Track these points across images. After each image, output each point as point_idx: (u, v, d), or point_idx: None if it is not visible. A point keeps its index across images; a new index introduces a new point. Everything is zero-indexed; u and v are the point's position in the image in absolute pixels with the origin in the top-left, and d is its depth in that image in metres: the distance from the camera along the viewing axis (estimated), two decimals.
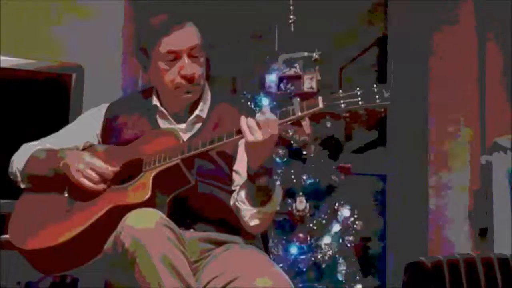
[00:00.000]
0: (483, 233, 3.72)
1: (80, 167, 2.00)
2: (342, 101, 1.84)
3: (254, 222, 1.99)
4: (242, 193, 1.99)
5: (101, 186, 2.00)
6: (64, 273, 2.13)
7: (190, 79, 2.07)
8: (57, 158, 2.05)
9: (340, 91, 1.86)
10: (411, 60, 4.08)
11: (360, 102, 1.84)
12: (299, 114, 1.87)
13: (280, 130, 1.89)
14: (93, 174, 1.99)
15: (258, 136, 1.85)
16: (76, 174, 2.00)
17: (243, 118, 1.89)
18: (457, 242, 3.71)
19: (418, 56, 4.02)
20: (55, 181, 2.06)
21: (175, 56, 2.07)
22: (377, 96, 1.84)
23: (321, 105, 1.85)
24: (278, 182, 2.77)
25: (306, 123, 1.87)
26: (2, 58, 2.94)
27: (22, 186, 2.16)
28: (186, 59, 2.06)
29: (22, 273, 2.82)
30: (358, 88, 1.86)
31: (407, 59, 4.11)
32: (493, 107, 3.87)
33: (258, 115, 1.89)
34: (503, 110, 3.85)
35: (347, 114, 1.86)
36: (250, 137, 1.86)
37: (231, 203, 2.06)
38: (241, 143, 1.97)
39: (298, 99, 1.89)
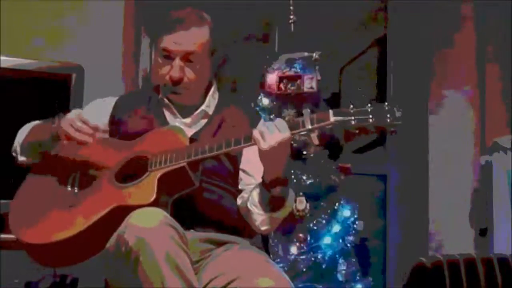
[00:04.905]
0: (483, 233, 3.72)
1: (68, 116, 2.00)
2: (352, 117, 1.83)
3: (265, 227, 2.02)
4: (255, 197, 1.99)
5: (85, 138, 1.99)
6: (62, 267, 2.12)
7: (175, 82, 2.08)
8: (55, 121, 2.06)
9: (351, 106, 1.84)
10: (411, 60, 4.08)
11: (370, 120, 1.82)
12: (309, 127, 1.86)
13: (293, 136, 1.88)
14: (78, 123, 1.99)
15: (270, 141, 1.85)
16: (65, 126, 1.99)
17: (255, 129, 1.89)
18: (457, 242, 3.71)
19: (418, 56, 4.02)
20: (55, 167, 2.05)
21: (169, 55, 2.08)
22: (388, 115, 1.82)
23: (331, 120, 1.85)
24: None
25: (314, 135, 1.87)
26: (2, 58, 2.94)
27: (20, 158, 2.15)
28: (178, 62, 2.08)
29: (22, 273, 2.82)
30: (369, 105, 1.84)
31: (407, 59, 4.11)
32: (493, 107, 3.87)
33: (265, 122, 1.90)
34: (503, 110, 3.85)
35: (357, 131, 1.84)
36: (263, 145, 1.86)
37: (239, 202, 2.07)
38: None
39: (309, 110, 1.89)
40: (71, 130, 1.99)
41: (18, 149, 2.17)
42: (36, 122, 2.22)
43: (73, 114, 2.02)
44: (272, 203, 1.96)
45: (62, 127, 2.00)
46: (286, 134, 1.86)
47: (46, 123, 2.13)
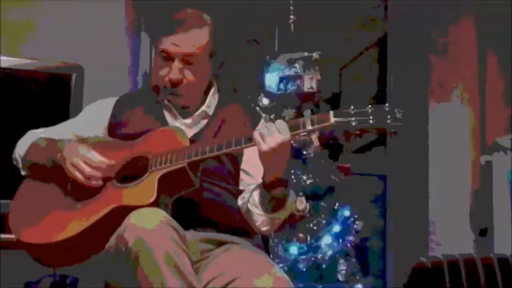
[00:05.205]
0: (483, 233, 3.72)
1: (74, 161, 1.99)
2: (353, 119, 1.83)
3: (265, 228, 2.02)
4: (256, 197, 1.99)
5: (95, 181, 1.99)
6: (63, 267, 2.11)
7: (174, 84, 2.08)
8: (56, 149, 2.04)
9: (352, 107, 1.83)
10: (411, 60, 4.08)
11: (371, 121, 1.82)
12: (310, 128, 1.86)
13: (293, 137, 1.88)
14: (87, 168, 1.98)
15: (270, 142, 1.85)
16: (70, 168, 1.99)
17: (255, 131, 1.89)
18: (457, 242, 3.71)
19: (418, 56, 4.02)
20: (55, 171, 2.05)
21: (169, 57, 2.07)
22: (388, 116, 1.82)
23: (332, 121, 1.84)
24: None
25: (315, 136, 1.87)
26: (2, 58, 2.94)
27: (23, 173, 2.15)
28: (177, 63, 2.07)
29: (22, 273, 2.81)
30: (370, 106, 1.83)
31: (407, 59, 4.11)
32: (493, 107, 3.87)
33: (265, 123, 1.91)
34: (503, 110, 3.85)
35: (358, 132, 1.84)
36: (263, 146, 1.86)
37: (239, 203, 2.07)
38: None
39: (309, 111, 1.89)
40: (77, 175, 1.98)
41: (20, 163, 2.16)
42: (37, 133, 2.19)
43: (78, 157, 1.99)
44: (272, 204, 1.96)
45: (68, 169, 1.99)
46: (286, 136, 1.86)
47: (47, 145, 2.10)
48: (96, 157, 1.99)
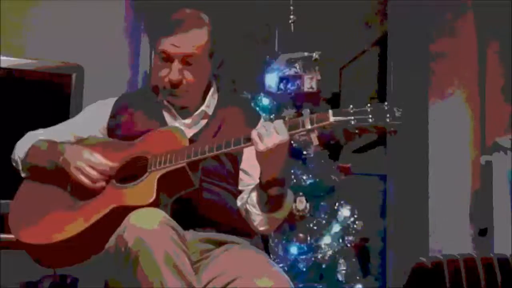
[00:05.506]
0: (483, 233, 3.72)
1: (78, 165, 1.99)
2: (352, 117, 1.83)
3: (263, 227, 2.02)
4: (254, 197, 2.00)
5: (101, 184, 1.99)
6: (63, 268, 2.12)
7: (174, 85, 2.08)
8: (57, 152, 2.05)
9: (351, 106, 1.84)
10: (411, 60, 4.08)
11: (370, 120, 1.82)
12: (309, 127, 1.86)
13: (292, 137, 1.89)
14: (92, 172, 1.98)
15: (268, 143, 1.85)
16: (75, 171, 1.99)
17: (254, 130, 1.89)
18: (457, 242, 3.71)
19: (418, 56, 4.02)
20: (55, 172, 2.05)
21: (168, 58, 2.07)
22: (388, 115, 1.82)
23: (331, 120, 1.84)
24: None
25: (314, 135, 1.87)
26: (2, 58, 2.94)
27: (23, 174, 2.15)
28: (176, 64, 2.07)
29: (22, 273, 2.82)
30: (369, 105, 1.84)
31: (407, 59, 4.11)
32: (493, 107, 3.87)
33: (264, 123, 1.91)
34: (503, 110, 3.85)
35: (357, 131, 1.84)
36: (261, 146, 1.86)
37: (239, 203, 2.07)
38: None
39: (308, 111, 1.89)
40: (83, 179, 1.98)
41: (20, 165, 2.16)
42: (39, 136, 2.19)
43: (82, 161, 2.00)
44: (270, 204, 1.96)
45: (73, 173, 1.99)
46: (284, 136, 1.86)
47: (47, 147, 2.10)
48: (101, 160, 2.00)
